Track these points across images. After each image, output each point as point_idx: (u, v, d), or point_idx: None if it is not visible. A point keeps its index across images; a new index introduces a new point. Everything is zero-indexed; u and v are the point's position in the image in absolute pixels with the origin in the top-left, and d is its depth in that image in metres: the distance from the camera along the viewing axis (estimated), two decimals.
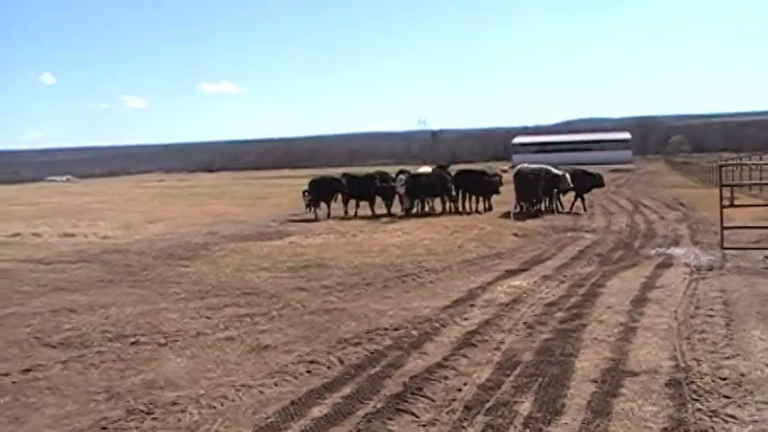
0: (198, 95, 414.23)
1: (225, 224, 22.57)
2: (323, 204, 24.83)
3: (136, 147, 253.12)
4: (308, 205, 25.08)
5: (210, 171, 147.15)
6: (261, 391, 6.53)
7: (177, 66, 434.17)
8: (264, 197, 38.14)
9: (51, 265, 14.68)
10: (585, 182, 26.32)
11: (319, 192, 25.00)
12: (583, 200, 25.98)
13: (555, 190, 24.97)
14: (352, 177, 25.77)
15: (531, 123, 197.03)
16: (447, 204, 25.40)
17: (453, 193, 25.03)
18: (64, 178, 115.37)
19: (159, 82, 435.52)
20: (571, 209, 25.16)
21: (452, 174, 26.09)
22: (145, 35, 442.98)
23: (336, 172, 29.32)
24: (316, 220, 23.36)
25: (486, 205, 25.44)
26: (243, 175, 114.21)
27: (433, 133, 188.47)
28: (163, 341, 8.45)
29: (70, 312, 10.09)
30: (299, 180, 70.46)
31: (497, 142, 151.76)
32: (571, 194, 25.82)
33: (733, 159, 39.65)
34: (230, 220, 23.99)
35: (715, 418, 5.52)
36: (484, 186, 25.33)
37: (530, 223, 20.90)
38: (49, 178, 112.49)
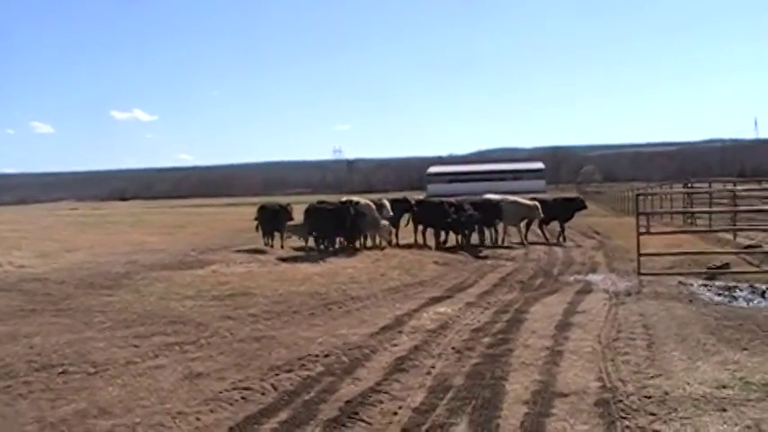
0: (108, 122, 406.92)
1: (144, 253, 22.18)
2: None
3: (46, 174, 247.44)
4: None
5: (124, 199, 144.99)
6: (198, 418, 6.52)
7: (87, 92, 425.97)
8: (181, 226, 37.63)
9: None
10: (568, 208, 25.85)
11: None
12: (563, 229, 25.55)
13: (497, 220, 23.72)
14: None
15: (445, 153, 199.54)
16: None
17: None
18: None
19: (68, 108, 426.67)
20: (558, 239, 24.93)
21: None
22: (53, 60, 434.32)
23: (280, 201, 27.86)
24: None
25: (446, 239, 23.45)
26: (157, 203, 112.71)
27: (349, 163, 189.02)
28: (92, 370, 8.33)
29: None
30: (215, 209, 70.05)
31: (412, 172, 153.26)
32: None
33: (644, 189, 40.72)
34: (149, 249, 23.58)
35: None
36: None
37: (450, 251, 21.16)
38: None
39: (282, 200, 31.01)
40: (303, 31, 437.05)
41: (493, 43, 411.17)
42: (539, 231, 25.39)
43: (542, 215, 24.30)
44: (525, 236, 24.73)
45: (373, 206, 21.82)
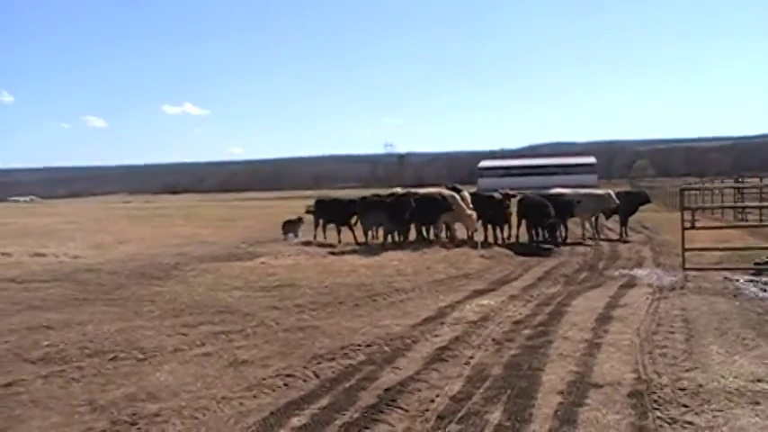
0: (160, 117, 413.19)
1: (194, 245, 22.60)
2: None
3: (99, 168, 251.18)
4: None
5: (175, 193, 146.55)
6: (241, 403, 6.74)
7: (139, 86, 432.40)
8: (232, 219, 38.16)
9: (24, 284, 14.66)
10: (632, 202, 24.97)
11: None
12: (625, 224, 24.75)
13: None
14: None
15: (497, 147, 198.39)
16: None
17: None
18: (27, 199, 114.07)
19: (120, 102, 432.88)
20: (621, 236, 24.22)
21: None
22: (106, 54, 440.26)
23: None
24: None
25: (506, 234, 22.67)
26: (208, 197, 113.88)
27: (400, 157, 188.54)
28: (141, 357, 8.61)
29: (47, 329, 10.15)
30: (265, 202, 70.60)
31: (463, 166, 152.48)
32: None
33: (696, 184, 40.30)
34: (199, 242, 24.02)
35: (674, 425, 5.86)
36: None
37: (496, 245, 21.19)
38: (12, 199, 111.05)
39: (334, 194, 31.37)
40: (356, 24, 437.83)
41: (546, 36, 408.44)
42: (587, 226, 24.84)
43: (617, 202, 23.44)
44: (596, 230, 24.38)
45: (457, 195, 21.63)
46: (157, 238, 25.90)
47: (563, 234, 22.67)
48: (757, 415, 6.05)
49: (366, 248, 20.26)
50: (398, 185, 39.97)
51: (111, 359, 8.53)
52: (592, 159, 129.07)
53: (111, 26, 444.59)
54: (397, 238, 21.36)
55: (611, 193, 23.89)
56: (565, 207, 22.28)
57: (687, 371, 7.35)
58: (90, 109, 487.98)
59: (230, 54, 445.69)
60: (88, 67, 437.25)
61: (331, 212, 23.39)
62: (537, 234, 22.30)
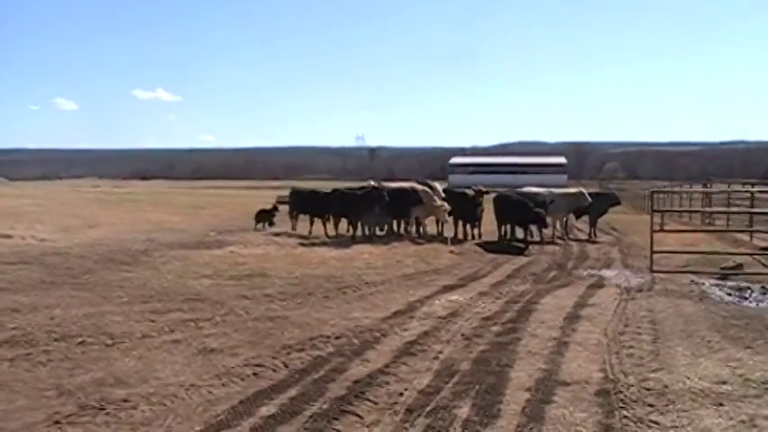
0: (131, 101, 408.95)
1: (163, 232, 22.48)
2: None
3: (69, 150, 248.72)
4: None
5: (145, 179, 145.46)
6: (209, 391, 6.73)
7: (110, 69, 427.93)
8: (202, 207, 38.05)
9: None
10: (601, 203, 24.91)
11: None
12: (594, 225, 24.78)
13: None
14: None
15: (468, 144, 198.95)
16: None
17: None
18: None
19: (92, 85, 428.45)
20: (590, 235, 24.33)
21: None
22: (77, 36, 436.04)
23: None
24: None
25: (477, 232, 22.76)
26: (178, 184, 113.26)
27: (372, 150, 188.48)
28: (109, 342, 8.54)
29: (13, 312, 10.02)
30: (236, 191, 70.41)
31: (434, 162, 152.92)
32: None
33: (665, 187, 40.68)
34: (169, 228, 23.88)
35: (640, 424, 5.94)
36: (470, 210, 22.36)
37: (466, 242, 21.29)
38: None
39: (305, 185, 31.45)
40: (330, 16, 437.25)
41: (520, 36, 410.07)
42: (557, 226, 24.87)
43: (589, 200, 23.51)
44: (566, 230, 24.47)
45: (429, 190, 21.71)
46: (127, 223, 25.72)
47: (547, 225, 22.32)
48: (721, 416, 6.14)
49: (336, 241, 20.29)
50: (370, 178, 39.98)
51: (78, 343, 8.45)
52: (562, 159, 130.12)
53: (84, 6, 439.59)
54: (368, 231, 21.43)
55: (584, 191, 23.98)
56: (539, 206, 21.99)
57: (653, 371, 7.43)
58: (61, 91, 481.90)
59: (204, 41, 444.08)
60: (59, 48, 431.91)
61: (306, 204, 23.34)
62: (513, 232, 22.42)
